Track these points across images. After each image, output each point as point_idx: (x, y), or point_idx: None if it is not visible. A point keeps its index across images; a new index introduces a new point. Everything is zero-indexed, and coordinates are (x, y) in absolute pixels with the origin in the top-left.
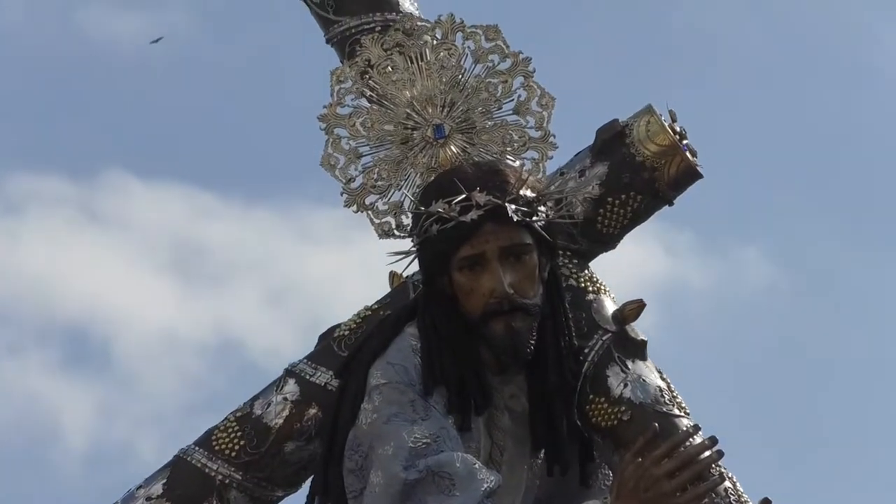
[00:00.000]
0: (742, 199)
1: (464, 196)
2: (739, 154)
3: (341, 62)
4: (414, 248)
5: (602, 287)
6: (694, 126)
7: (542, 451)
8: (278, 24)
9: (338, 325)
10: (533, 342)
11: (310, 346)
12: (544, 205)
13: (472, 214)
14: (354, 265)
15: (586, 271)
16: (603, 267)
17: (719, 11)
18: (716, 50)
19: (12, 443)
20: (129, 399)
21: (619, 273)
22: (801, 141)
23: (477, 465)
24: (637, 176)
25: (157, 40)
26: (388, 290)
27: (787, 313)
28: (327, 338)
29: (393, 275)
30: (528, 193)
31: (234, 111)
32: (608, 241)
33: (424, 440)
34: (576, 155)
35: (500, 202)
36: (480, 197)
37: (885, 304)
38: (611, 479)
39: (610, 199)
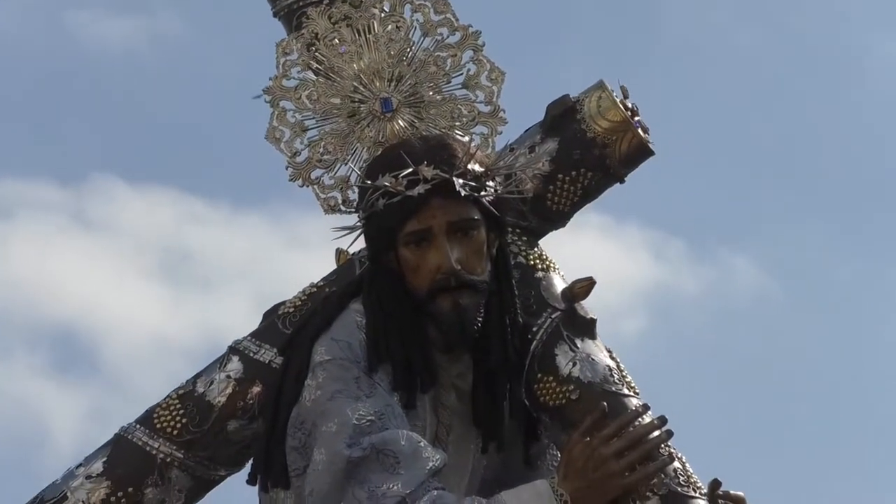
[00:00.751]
0: (733, 207)
1: (411, 170)
2: (730, 162)
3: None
4: (360, 224)
5: (552, 265)
6: (683, 132)
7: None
8: (267, 30)
9: (282, 303)
10: (480, 319)
11: None
12: (493, 180)
13: (419, 188)
14: None
15: (536, 248)
16: (593, 273)
17: (707, 15)
18: (705, 55)
19: (0, 446)
20: (118, 403)
21: (610, 279)
22: (793, 148)
23: (422, 444)
24: (588, 152)
25: (259, 96)
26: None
27: (778, 321)
28: (272, 315)
29: (339, 251)
30: (477, 168)
31: (223, 116)
32: (558, 219)
33: (369, 417)
34: (526, 131)
35: (447, 176)
36: (427, 171)
37: (876, 311)
38: (559, 459)
39: (560, 176)
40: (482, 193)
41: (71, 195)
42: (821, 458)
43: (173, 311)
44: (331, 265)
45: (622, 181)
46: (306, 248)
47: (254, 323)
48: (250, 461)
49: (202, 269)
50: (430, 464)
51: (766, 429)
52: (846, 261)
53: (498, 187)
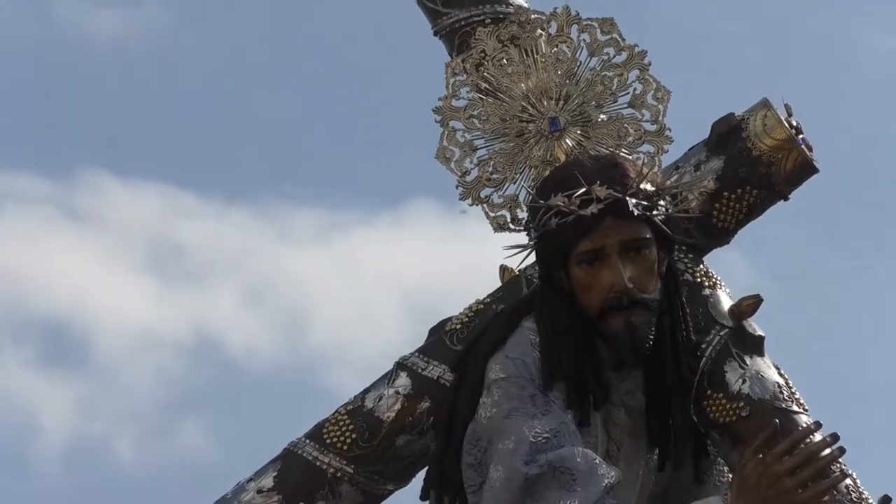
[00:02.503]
0: None
1: (584, 189)
2: None
3: (449, 55)
4: (532, 242)
5: (718, 282)
6: (672, 126)
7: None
8: (258, 22)
9: (449, 319)
10: (652, 338)
11: (288, 344)
12: (663, 199)
13: (593, 208)
14: (332, 265)
15: (702, 266)
16: None
17: (695, 5)
18: (692, 45)
19: None
20: (107, 396)
21: None
22: None
23: (597, 461)
24: (753, 170)
25: (464, 212)
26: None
27: (772, 319)
28: (438, 331)
29: (503, 269)
30: (648, 187)
31: (212, 109)
32: (723, 236)
33: (545, 435)
34: (690, 149)
35: (620, 196)
36: (601, 191)
37: (870, 311)
38: (726, 475)
39: (726, 194)
40: (654, 213)
41: (59, 188)
42: None
43: (163, 304)
44: (319, 259)
45: (786, 199)
46: (295, 242)
47: (243, 316)
48: (418, 477)
49: (192, 262)
50: (606, 480)
51: None
52: (840, 260)
53: (668, 206)
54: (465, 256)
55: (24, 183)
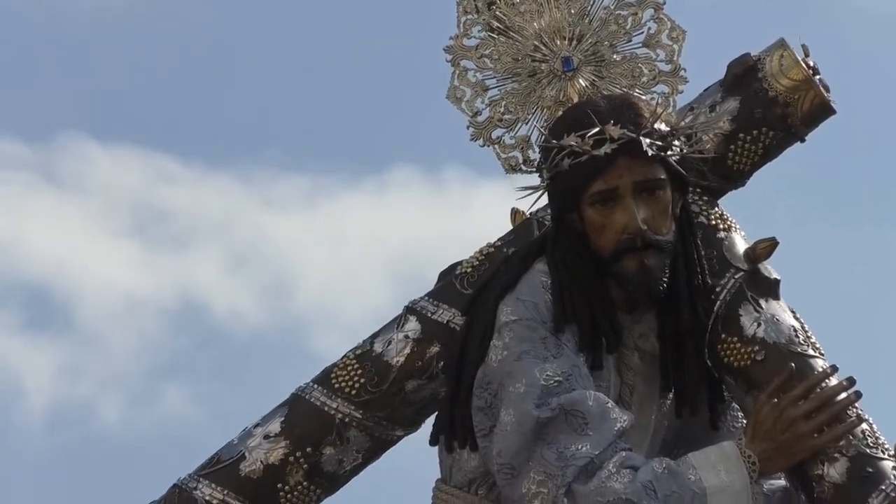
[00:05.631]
0: None
1: (597, 129)
2: None
3: None
4: (543, 183)
5: (733, 224)
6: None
7: (672, 391)
8: None
9: (459, 263)
10: (665, 280)
11: (272, 309)
12: (678, 139)
13: (606, 148)
14: (316, 230)
15: (716, 208)
16: None
17: None
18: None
19: None
20: (91, 361)
21: None
22: None
23: (609, 405)
24: (769, 111)
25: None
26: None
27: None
28: (448, 275)
29: (514, 212)
30: (663, 127)
31: (194, 73)
32: (738, 178)
33: (556, 378)
34: (705, 90)
35: (634, 136)
36: (615, 130)
37: (839, 275)
38: (739, 420)
39: (741, 135)
40: (669, 153)
41: (39, 154)
42: None
43: (146, 269)
44: (303, 225)
45: (803, 140)
46: (279, 207)
47: (227, 282)
48: (427, 422)
49: (175, 227)
50: (618, 424)
51: None
52: (812, 221)
53: (683, 147)
54: (447, 221)
55: (4, 148)
